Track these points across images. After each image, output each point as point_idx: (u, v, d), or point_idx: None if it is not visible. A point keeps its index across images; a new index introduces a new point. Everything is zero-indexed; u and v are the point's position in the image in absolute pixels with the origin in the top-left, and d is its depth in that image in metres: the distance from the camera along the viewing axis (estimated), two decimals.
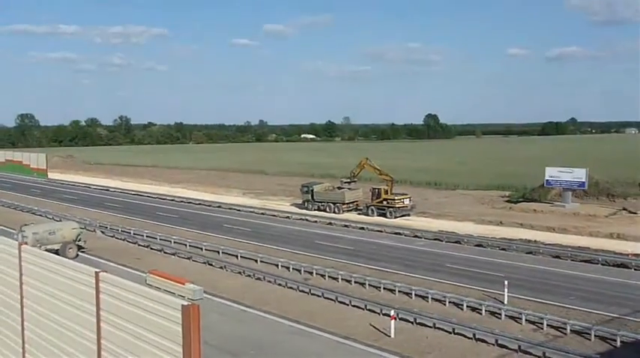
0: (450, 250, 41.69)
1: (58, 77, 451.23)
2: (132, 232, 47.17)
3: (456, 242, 43.89)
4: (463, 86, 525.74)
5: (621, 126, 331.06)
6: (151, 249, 43.27)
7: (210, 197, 71.41)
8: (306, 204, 60.10)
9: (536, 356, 22.95)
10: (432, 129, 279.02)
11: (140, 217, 56.71)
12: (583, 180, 55.41)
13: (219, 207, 63.26)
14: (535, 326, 26.15)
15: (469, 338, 24.87)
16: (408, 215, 54.77)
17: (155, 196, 72.50)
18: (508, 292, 29.49)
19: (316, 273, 35.02)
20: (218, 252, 40.60)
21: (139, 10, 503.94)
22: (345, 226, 50.83)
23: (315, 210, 58.52)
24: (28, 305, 10.05)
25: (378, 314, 27.86)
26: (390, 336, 25.24)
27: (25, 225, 40.47)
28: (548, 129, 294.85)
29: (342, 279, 33.74)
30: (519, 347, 23.52)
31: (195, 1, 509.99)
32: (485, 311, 27.91)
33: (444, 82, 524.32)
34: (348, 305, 29.55)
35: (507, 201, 61.49)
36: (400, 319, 26.51)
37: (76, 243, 39.16)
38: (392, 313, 25.80)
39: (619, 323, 26.19)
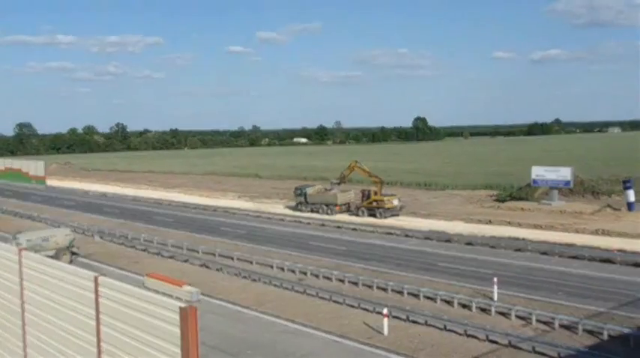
0: (440, 249, 41.75)
1: (56, 86, 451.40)
2: (129, 236, 47.02)
3: (446, 241, 43.95)
4: (451, 89, 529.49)
5: (604, 125, 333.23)
6: (149, 252, 43.14)
7: (205, 201, 71.29)
8: (299, 206, 60.09)
9: (526, 350, 23.01)
10: (420, 131, 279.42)
11: (137, 222, 56.54)
12: (568, 178, 55.63)
13: (214, 210, 63.14)
14: (524, 322, 26.21)
15: (460, 334, 24.91)
16: (397, 215, 54.89)
17: (152, 201, 72.30)
18: (498, 289, 29.58)
19: (310, 274, 35.00)
20: (214, 255, 40.52)
21: (134, 19, 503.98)
22: (338, 227, 50.84)
23: (308, 212, 58.52)
24: (29, 310, 10.01)
25: (372, 312, 27.86)
26: (383, 334, 25.25)
27: (19, 232, 40.22)
28: (533, 130, 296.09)
29: (335, 279, 33.73)
30: (510, 342, 23.59)
31: (190, 10, 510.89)
32: (476, 307, 27.97)
33: (432, 86, 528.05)
34: (342, 304, 29.54)
35: (495, 201, 61.64)
36: (393, 317, 26.50)
37: (70, 249, 38.90)
38: (385, 311, 25.80)
39: (606, 317, 26.28)
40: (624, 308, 27.44)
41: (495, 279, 29.89)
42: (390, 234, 47.12)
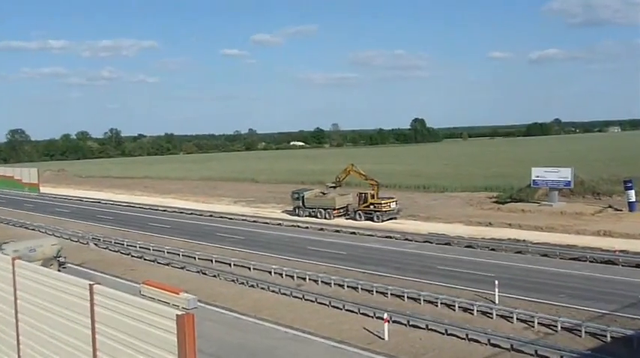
0: (440, 252, 41.75)
1: (49, 92, 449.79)
2: (125, 243, 46.95)
3: (446, 244, 43.96)
4: (448, 90, 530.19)
5: (604, 125, 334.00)
6: (145, 259, 43.06)
7: (201, 206, 71.18)
8: (297, 210, 60.08)
9: (528, 354, 23.00)
10: (419, 133, 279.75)
11: (133, 228, 56.43)
12: (569, 179, 55.70)
13: (210, 216, 63.08)
14: (526, 325, 26.21)
15: (462, 338, 24.90)
16: (395, 218, 54.92)
17: (147, 207, 72.17)
18: (499, 292, 29.57)
19: (309, 279, 34.97)
20: (211, 261, 40.46)
21: (128, 23, 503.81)
22: (337, 231, 50.81)
23: (306, 216, 58.49)
24: (23, 320, 9.99)
25: (372, 317, 27.83)
26: (383, 339, 25.22)
27: (5, 242, 40.00)
28: (533, 130, 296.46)
29: (334, 284, 33.69)
30: (512, 345, 23.59)
31: (185, 13, 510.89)
32: (477, 311, 27.95)
33: (429, 87, 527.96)
34: (341, 309, 29.51)
35: (495, 202, 61.69)
36: (393, 322, 26.49)
37: (57, 259, 38.72)
38: (385, 316, 25.79)
39: (608, 319, 26.30)
40: (627, 310, 27.43)
41: (496, 282, 29.88)
42: (390, 237, 47.11)
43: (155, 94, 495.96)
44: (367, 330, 26.50)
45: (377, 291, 31.82)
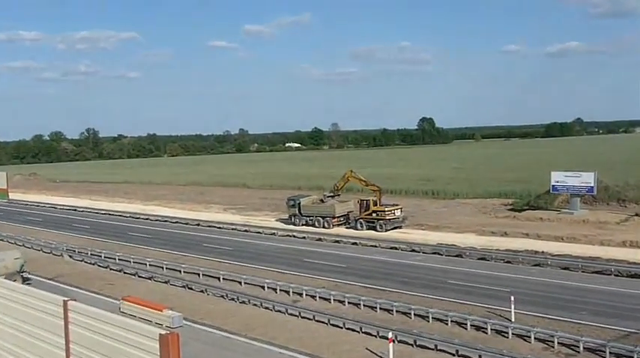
0: (450, 264, 41.77)
1: (19, 87, 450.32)
2: (103, 255, 46.90)
3: (456, 255, 43.99)
4: (459, 87, 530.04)
5: (630, 125, 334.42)
6: (125, 273, 43.01)
7: (187, 214, 71.19)
8: (292, 219, 60.09)
9: None
10: (427, 133, 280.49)
11: (112, 239, 56.43)
12: (591, 184, 55.76)
13: (197, 225, 63.09)
14: (545, 345, 26.21)
15: None
16: (400, 227, 54.97)
17: (127, 215, 72.17)
18: (515, 308, 29.56)
19: (306, 294, 34.95)
20: (198, 275, 40.45)
21: (106, 12, 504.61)
22: (336, 242, 50.82)
23: (302, 225, 58.53)
24: None
25: (375, 336, 27.80)
26: None
27: None
28: (552, 131, 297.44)
29: (334, 300, 33.68)
30: None
31: (168, 2, 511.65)
32: (491, 329, 27.95)
33: (438, 83, 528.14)
34: (341, 328, 29.49)
35: (511, 210, 61.74)
36: (399, 341, 26.48)
37: (21, 274, 38.57)
38: (390, 335, 25.76)
39: (635, 338, 26.28)
40: None
41: (512, 298, 29.87)
42: (394, 248, 47.14)
43: (136, 91, 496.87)
44: (370, 351, 26.46)
45: (381, 308, 31.80)
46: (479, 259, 42.75)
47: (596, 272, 37.67)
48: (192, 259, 45.95)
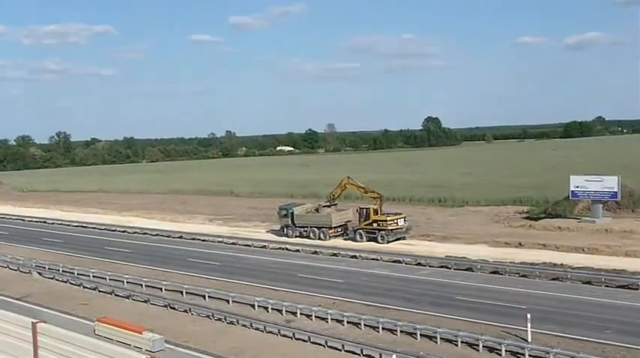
0: (460, 279, 41.79)
1: None
2: (76, 272, 46.82)
3: (467, 269, 44.02)
4: (468, 83, 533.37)
5: None
6: (100, 291, 42.94)
7: (169, 226, 71.17)
8: (285, 230, 60.07)
9: None
10: (433, 135, 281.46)
11: (85, 254, 56.39)
12: (615, 189, 55.89)
13: (180, 237, 63.04)
14: None
15: None
16: (404, 238, 55.00)
17: (103, 228, 72.11)
18: (532, 327, 29.58)
19: (301, 313, 34.93)
20: (181, 293, 40.40)
21: (77, 4, 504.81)
22: (334, 255, 50.82)
23: (296, 236, 58.53)
24: None
25: None
26: None
27: None
28: (571, 131, 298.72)
29: (331, 319, 33.66)
30: None
31: None
32: (506, 351, 27.96)
33: (445, 79, 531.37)
34: (340, 350, 29.44)
35: (526, 218, 61.88)
36: None
37: None
38: None
39: None
40: None
41: (529, 315, 29.89)
42: (398, 261, 47.17)
43: (111, 90, 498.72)
44: None
45: (383, 328, 31.80)
46: (491, 273, 42.79)
47: (621, 287, 37.70)
48: (175, 275, 45.90)
